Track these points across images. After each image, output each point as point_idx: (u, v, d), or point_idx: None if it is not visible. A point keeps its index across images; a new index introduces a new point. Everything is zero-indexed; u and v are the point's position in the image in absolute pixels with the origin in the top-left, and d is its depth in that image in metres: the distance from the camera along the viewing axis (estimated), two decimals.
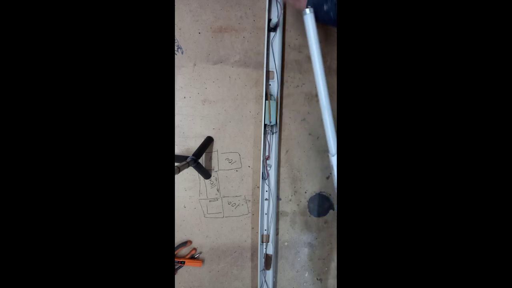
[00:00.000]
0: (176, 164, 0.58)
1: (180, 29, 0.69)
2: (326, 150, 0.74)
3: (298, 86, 0.73)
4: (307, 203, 0.77)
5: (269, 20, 0.68)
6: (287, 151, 0.75)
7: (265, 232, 0.75)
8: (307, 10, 0.53)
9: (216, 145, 0.73)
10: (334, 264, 0.79)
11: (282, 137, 0.74)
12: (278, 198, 0.76)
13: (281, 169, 0.75)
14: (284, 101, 0.73)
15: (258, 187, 0.73)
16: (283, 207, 0.77)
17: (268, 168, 0.74)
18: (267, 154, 0.73)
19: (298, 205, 0.77)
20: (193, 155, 0.64)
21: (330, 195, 0.78)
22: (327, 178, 0.76)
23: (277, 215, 0.77)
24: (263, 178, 0.73)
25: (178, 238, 0.75)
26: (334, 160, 0.56)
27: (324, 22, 0.54)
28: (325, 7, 0.52)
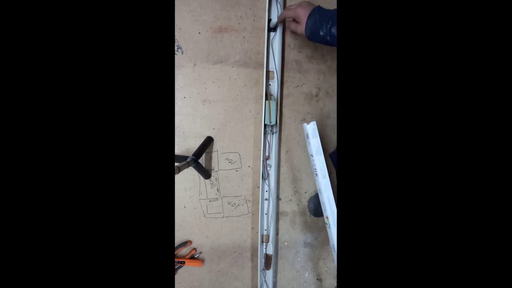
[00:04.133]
0: (176, 164, 0.58)
1: (180, 29, 0.69)
2: (326, 150, 0.74)
3: (298, 86, 0.73)
4: (307, 203, 0.77)
5: (269, 20, 0.68)
6: (287, 151, 0.75)
7: (265, 232, 0.75)
8: (311, 124, 0.56)
9: (216, 145, 0.73)
10: (334, 264, 0.79)
11: (282, 137, 0.74)
12: (278, 198, 0.76)
13: (281, 169, 0.75)
14: (284, 101, 0.73)
15: (258, 187, 0.73)
16: (283, 207, 0.77)
17: (268, 168, 0.74)
18: (267, 154, 0.73)
19: (298, 205, 0.77)
20: (193, 155, 0.64)
21: None
22: None
23: (277, 215, 0.77)
24: (263, 178, 0.73)
25: (178, 238, 0.75)
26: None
27: (321, 43, 0.57)
28: (321, 32, 0.54)
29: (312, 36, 0.56)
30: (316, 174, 0.57)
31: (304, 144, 0.75)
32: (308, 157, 0.75)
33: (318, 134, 0.57)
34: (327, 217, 0.56)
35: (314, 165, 0.57)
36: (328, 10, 0.55)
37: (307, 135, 0.57)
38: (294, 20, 0.60)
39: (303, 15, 0.57)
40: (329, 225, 0.56)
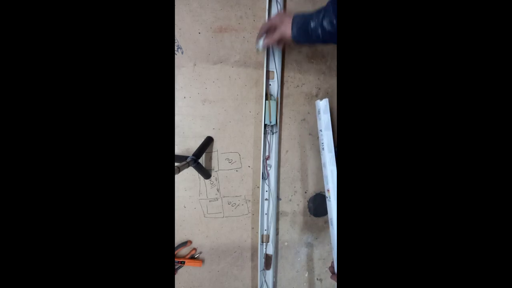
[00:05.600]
0: (176, 164, 0.58)
1: (180, 29, 0.69)
2: None
3: (298, 86, 0.73)
4: (307, 203, 0.77)
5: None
6: (287, 151, 0.75)
7: (265, 232, 0.75)
8: (323, 101, 0.58)
9: (216, 145, 0.73)
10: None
11: (282, 137, 0.74)
12: (278, 198, 0.76)
13: (281, 169, 0.75)
14: (284, 101, 0.73)
15: (258, 187, 0.73)
16: (283, 207, 0.77)
17: (268, 168, 0.74)
18: (267, 154, 0.73)
19: (298, 205, 0.77)
20: (193, 155, 0.64)
21: None
22: None
23: (277, 215, 0.77)
24: (263, 178, 0.73)
25: (178, 238, 0.75)
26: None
27: (309, 42, 0.53)
28: (312, 24, 0.50)
29: (300, 35, 0.52)
30: (323, 148, 0.59)
31: (304, 144, 0.75)
32: (308, 157, 0.75)
33: (329, 111, 0.60)
34: (328, 190, 0.58)
35: (322, 139, 0.59)
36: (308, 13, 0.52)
37: (319, 111, 0.60)
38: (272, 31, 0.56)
39: (281, 20, 0.53)
40: (329, 198, 0.58)
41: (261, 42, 0.58)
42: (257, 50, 0.60)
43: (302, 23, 0.51)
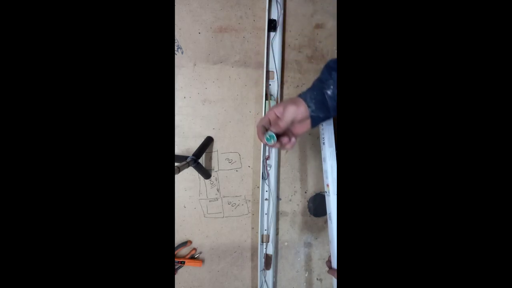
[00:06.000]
0: (176, 164, 0.58)
1: (180, 29, 0.69)
2: None
3: (298, 86, 0.73)
4: (307, 203, 0.77)
5: (267, 130, 0.50)
6: (287, 151, 0.75)
7: (265, 232, 0.75)
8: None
9: (216, 145, 0.73)
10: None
11: None
12: (278, 198, 0.76)
13: (281, 169, 0.75)
14: None
15: (258, 187, 0.73)
16: (283, 207, 0.77)
17: (268, 168, 0.74)
18: (267, 154, 0.73)
19: (298, 205, 0.77)
20: (193, 155, 0.64)
21: None
22: None
23: (277, 215, 0.77)
24: (263, 178, 0.73)
25: (178, 238, 0.75)
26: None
27: (329, 113, 0.46)
28: (329, 92, 0.44)
29: (319, 108, 0.44)
30: (324, 143, 0.59)
31: (304, 144, 0.75)
32: (308, 157, 0.75)
33: None
34: (327, 185, 0.59)
35: (323, 134, 0.59)
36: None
37: None
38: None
39: (285, 104, 0.44)
40: (329, 193, 0.58)
41: (270, 133, 0.45)
42: (269, 141, 0.45)
43: (316, 94, 0.45)
